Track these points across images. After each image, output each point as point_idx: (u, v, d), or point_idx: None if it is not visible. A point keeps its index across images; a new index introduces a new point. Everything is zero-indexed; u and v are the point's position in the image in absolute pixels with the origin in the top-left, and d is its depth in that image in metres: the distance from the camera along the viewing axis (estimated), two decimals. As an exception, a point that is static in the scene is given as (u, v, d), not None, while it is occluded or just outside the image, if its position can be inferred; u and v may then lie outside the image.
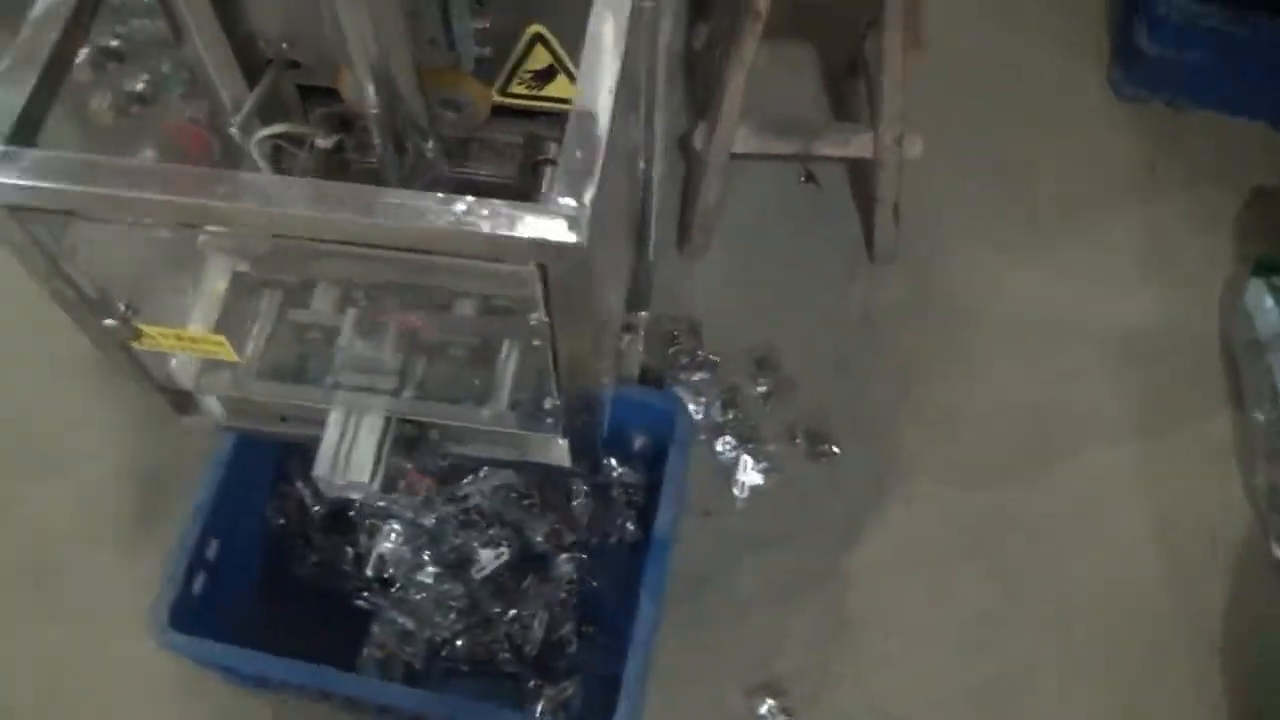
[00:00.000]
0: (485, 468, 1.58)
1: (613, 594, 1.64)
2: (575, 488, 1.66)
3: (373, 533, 1.64)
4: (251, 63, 1.14)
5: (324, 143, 1.23)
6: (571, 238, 0.81)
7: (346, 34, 0.97)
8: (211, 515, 1.51)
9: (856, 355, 1.92)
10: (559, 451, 1.17)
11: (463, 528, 1.64)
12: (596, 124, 0.85)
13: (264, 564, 1.68)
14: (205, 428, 1.25)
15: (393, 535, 1.63)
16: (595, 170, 0.83)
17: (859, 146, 1.92)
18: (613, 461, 1.68)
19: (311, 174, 1.21)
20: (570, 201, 0.82)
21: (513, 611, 1.62)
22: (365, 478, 1.11)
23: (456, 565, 1.63)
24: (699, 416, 1.84)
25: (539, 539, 1.65)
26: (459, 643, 1.61)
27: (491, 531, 1.64)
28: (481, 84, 1.19)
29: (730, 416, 1.86)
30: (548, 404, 1.06)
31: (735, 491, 1.80)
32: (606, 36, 0.90)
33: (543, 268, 0.85)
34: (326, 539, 1.66)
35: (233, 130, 1.18)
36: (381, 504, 1.58)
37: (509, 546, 1.63)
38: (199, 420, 1.24)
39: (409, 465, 1.24)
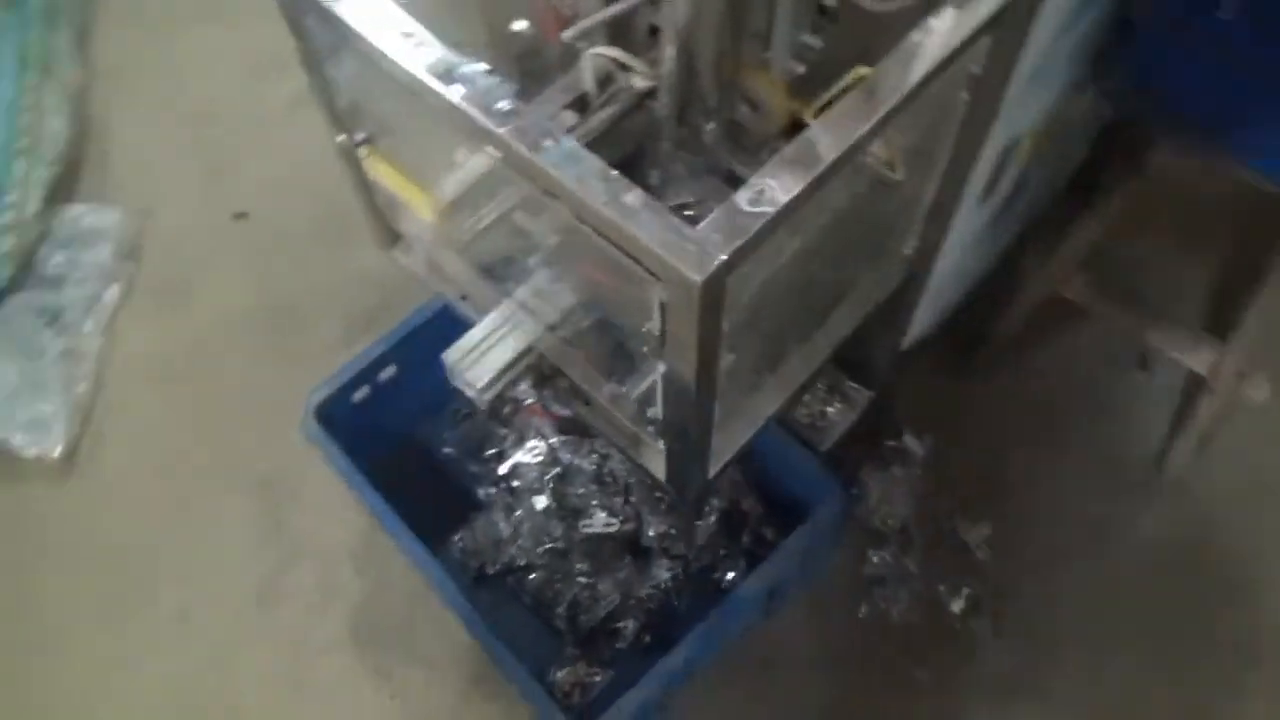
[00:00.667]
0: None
1: (685, 622, 1.60)
2: (710, 506, 1.63)
3: (520, 440, 1.71)
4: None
5: (641, 82, 1.25)
6: (694, 276, 0.78)
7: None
8: (397, 348, 1.63)
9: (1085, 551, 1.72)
10: (657, 461, 1.16)
11: (594, 481, 1.66)
12: (798, 180, 0.81)
13: (418, 420, 1.79)
14: (406, 270, 1.35)
15: (534, 452, 1.69)
16: (753, 229, 0.80)
17: (1196, 359, 1.70)
18: (751, 503, 1.63)
19: (615, 108, 1.24)
20: (716, 238, 0.80)
21: (591, 580, 1.63)
22: (480, 384, 1.15)
23: (570, 510, 1.66)
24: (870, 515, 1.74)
25: (651, 533, 1.65)
26: (532, 576, 1.65)
27: (616, 500, 1.65)
28: (788, 96, 1.17)
29: (900, 541, 1.74)
30: (650, 411, 1.05)
31: (863, 609, 1.69)
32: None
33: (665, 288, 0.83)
34: (479, 425, 1.73)
35: (570, 33, 1.22)
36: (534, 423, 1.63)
37: (622, 523, 1.64)
38: (401, 258, 1.33)
39: (530, 400, 1.28)
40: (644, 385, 1.07)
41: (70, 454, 1.91)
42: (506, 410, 1.18)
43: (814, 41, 1.13)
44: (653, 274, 0.82)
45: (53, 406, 1.91)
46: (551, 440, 1.67)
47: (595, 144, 1.21)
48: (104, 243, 2.11)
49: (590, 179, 0.83)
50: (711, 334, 0.87)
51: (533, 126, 0.85)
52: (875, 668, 1.63)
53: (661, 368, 0.95)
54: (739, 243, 0.80)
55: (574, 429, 1.36)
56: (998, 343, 1.84)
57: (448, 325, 1.32)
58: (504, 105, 0.86)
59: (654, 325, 0.89)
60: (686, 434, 1.03)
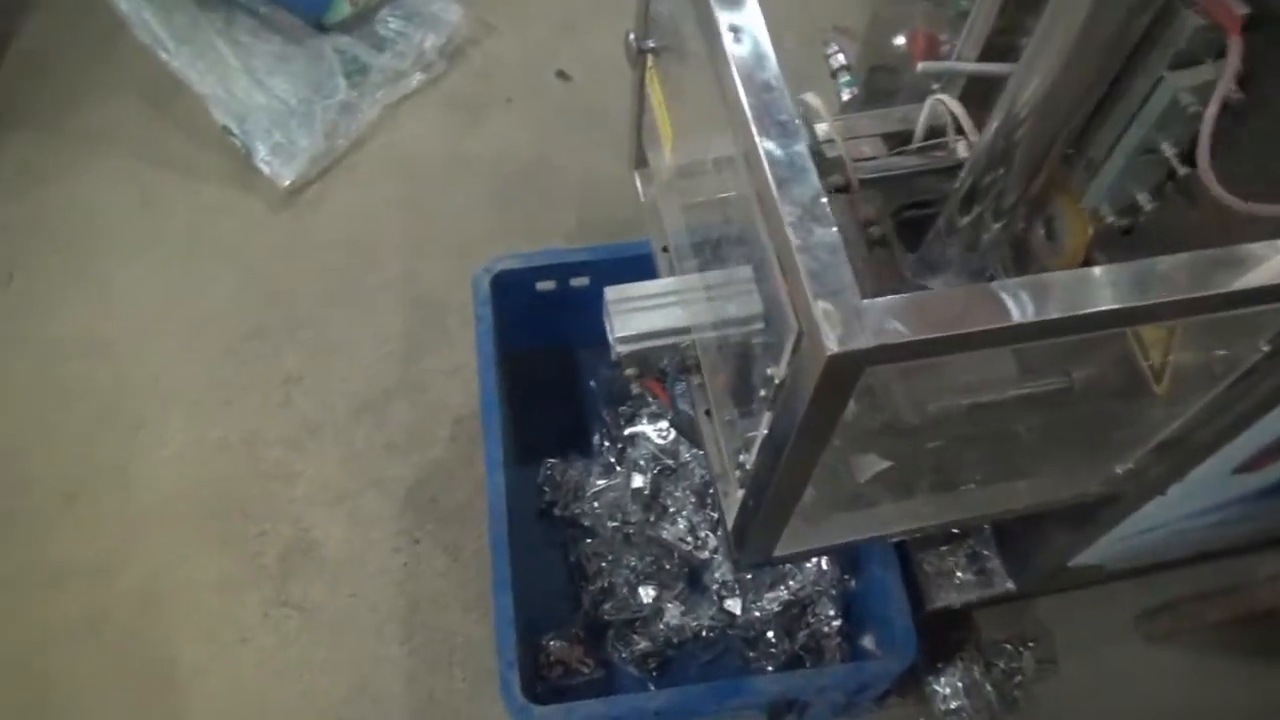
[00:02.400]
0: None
1: (695, 676, 1.55)
2: (784, 587, 1.54)
3: (657, 416, 1.67)
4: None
5: (964, 152, 1.16)
6: (828, 344, 0.70)
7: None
8: (600, 264, 1.62)
9: None
10: (732, 508, 1.08)
11: (695, 493, 1.61)
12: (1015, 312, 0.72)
13: (584, 342, 1.77)
14: (641, 193, 1.32)
15: (660, 433, 1.65)
16: (928, 336, 0.71)
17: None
18: (825, 614, 1.53)
19: (923, 162, 1.16)
20: (881, 320, 0.71)
21: (637, 580, 1.58)
22: (622, 332, 1.12)
23: (658, 506, 1.62)
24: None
25: (716, 575, 1.58)
26: (589, 540, 1.63)
27: (703, 524, 1.59)
28: (1087, 239, 1.05)
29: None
30: (742, 457, 0.98)
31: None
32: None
33: (799, 335, 0.75)
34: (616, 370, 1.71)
35: (926, 66, 1.16)
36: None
37: (694, 548, 1.58)
38: (639, 183, 1.31)
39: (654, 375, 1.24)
40: (756, 429, 1.00)
41: (296, 190, 2.03)
42: (632, 372, 1.14)
43: (1145, 202, 1.00)
44: (796, 316, 0.75)
45: (307, 142, 2.02)
46: (669, 427, 1.62)
47: (882, 182, 1.14)
48: (436, 32, 2.19)
49: (794, 185, 0.76)
50: (825, 414, 0.79)
51: (776, 106, 0.78)
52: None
53: (767, 418, 0.87)
54: (901, 339, 0.71)
55: (683, 429, 1.30)
56: (1179, 618, 1.62)
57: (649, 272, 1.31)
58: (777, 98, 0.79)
59: (778, 372, 0.82)
60: (763, 497, 0.95)
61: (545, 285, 1.65)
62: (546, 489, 1.67)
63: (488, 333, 1.55)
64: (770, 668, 1.53)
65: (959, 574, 1.53)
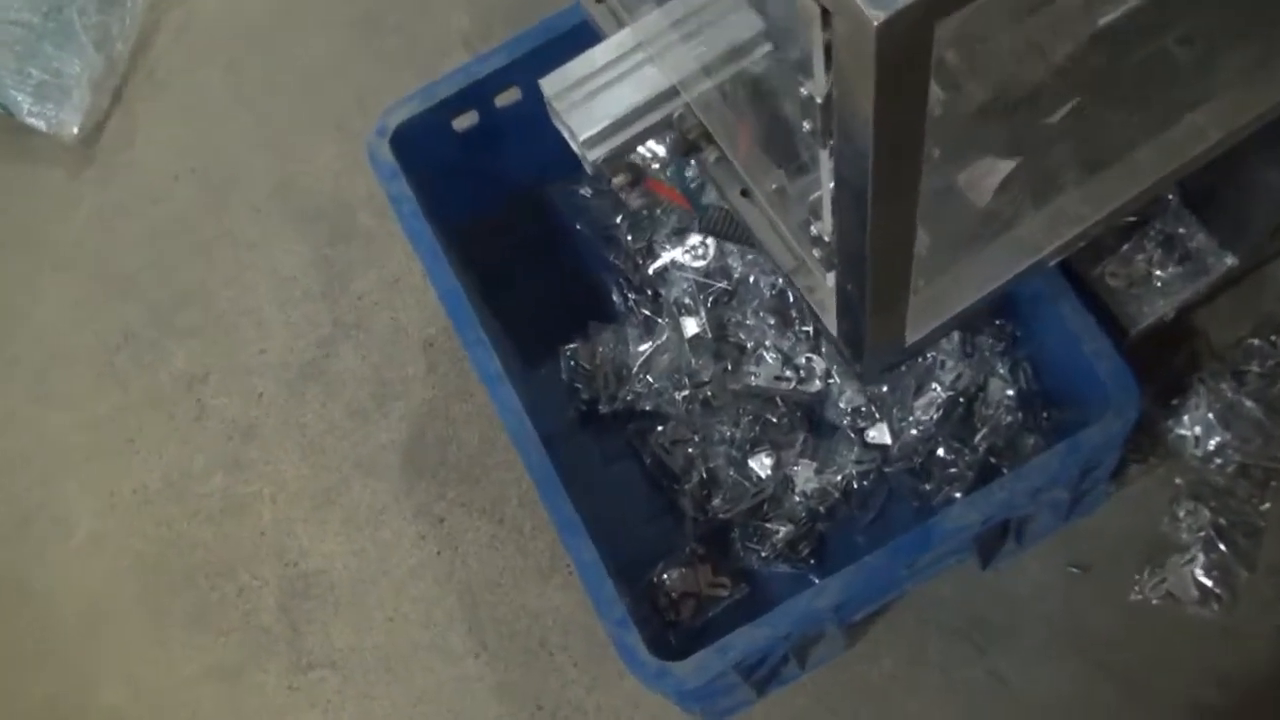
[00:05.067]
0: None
1: (865, 544, 1.54)
2: (936, 382, 1.52)
3: (681, 231, 1.64)
4: None
5: None
6: (868, 10, 0.64)
7: None
8: (527, 61, 1.55)
9: None
10: (828, 304, 1.05)
11: (773, 312, 1.59)
12: None
13: (548, 173, 1.74)
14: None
15: (695, 253, 1.63)
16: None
17: None
18: (1001, 390, 1.52)
19: None
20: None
21: (744, 452, 1.57)
22: (585, 134, 1.09)
23: (732, 347, 1.60)
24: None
25: (842, 404, 1.57)
26: (660, 429, 1.62)
27: (800, 346, 1.58)
28: None
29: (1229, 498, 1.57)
30: (814, 226, 0.94)
31: (1139, 586, 1.54)
32: None
33: (826, 15, 0.69)
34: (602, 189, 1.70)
35: None
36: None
37: (801, 381, 1.56)
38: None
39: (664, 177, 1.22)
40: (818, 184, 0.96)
41: (91, 136, 1.99)
42: (621, 180, 1.09)
43: None
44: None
45: (78, 66, 1.96)
46: (721, 241, 1.57)
47: None
48: None
49: None
50: (902, 116, 0.73)
51: None
52: (1139, 675, 1.51)
53: (827, 161, 0.83)
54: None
55: (720, 230, 1.25)
56: None
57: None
58: None
59: (815, 87, 0.76)
60: (863, 271, 0.91)
61: (464, 121, 1.62)
62: (579, 384, 1.66)
63: (415, 213, 1.52)
64: (958, 494, 1.52)
65: (1158, 272, 1.50)
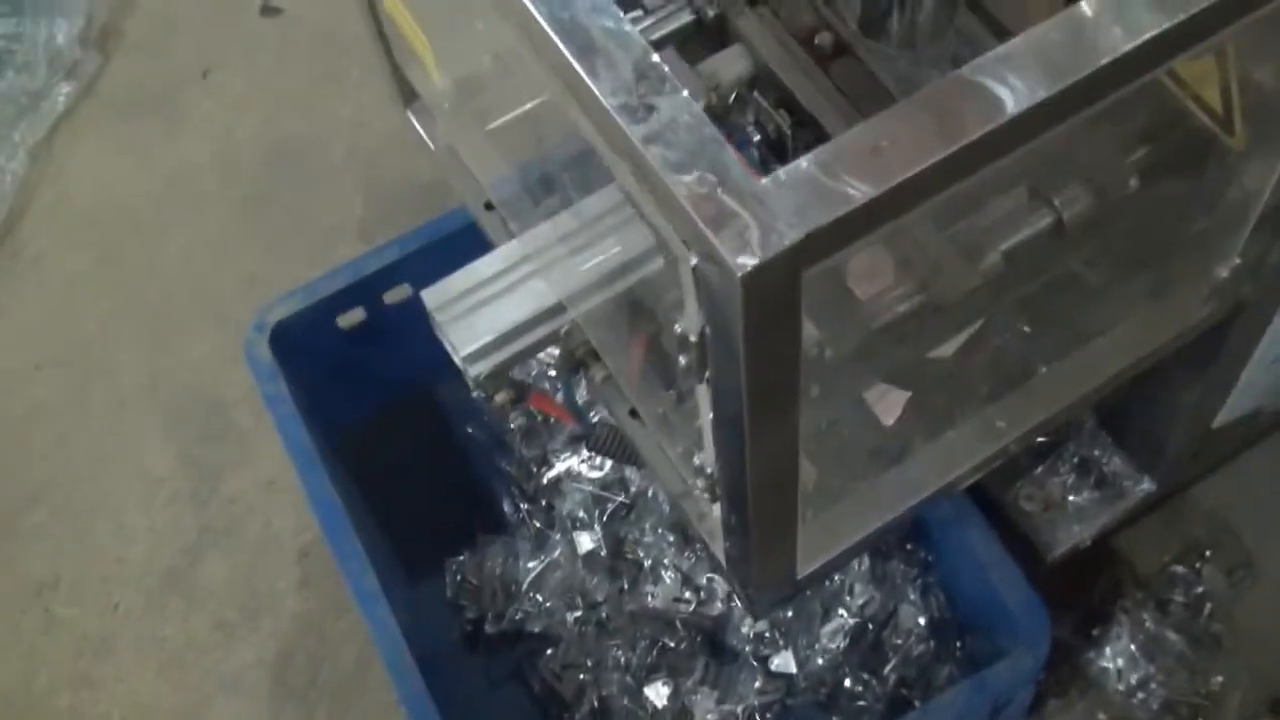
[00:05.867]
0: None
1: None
2: (843, 607, 1.55)
3: (579, 438, 1.67)
4: None
5: None
6: (737, 259, 0.70)
7: None
8: (417, 258, 1.62)
9: None
10: (712, 530, 1.08)
11: (671, 529, 1.62)
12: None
13: (438, 375, 1.72)
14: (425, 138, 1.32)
15: (592, 462, 1.66)
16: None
17: None
18: (913, 617, 1.55)
19: None
20: (791, 200, 0.71)
21: (640, 680, 1.57)
22: (466, 350, 1.11)
23: (628, 565, 1.62)
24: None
25: (744, 630, 1.59)
26: (550, 651, 1.62)
27: (699, 566, 1.60)
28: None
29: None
30: (697, 457, 0.98)
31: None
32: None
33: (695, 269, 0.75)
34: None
35: None
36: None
37: (700, 603, 1.58)
38: (417, 123, 1.32)
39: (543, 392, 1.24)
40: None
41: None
42: (504, 397, 1.13)
43: None
44: (679, 239, 0.74)
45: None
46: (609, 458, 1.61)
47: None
48: (67, 16, 2.16)
49: (611, 47, 0.75)
50: (775, 358, 0.78)
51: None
52: None
53: (705, 394, 0.87)
54: (841, 209, 0.70)
55: (608, 448, 1.29)
56: None
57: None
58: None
59: (689, 324, 0.81)
60: (743, 504, 0.95)
61: (350, 318, 1.65)
62: (464, 601, 1.67)
63: (291, 416, 1.54)
64: (867, 723, 1.54)
65: (1073, 497, 1.55)
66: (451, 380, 1.73)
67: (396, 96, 1.33)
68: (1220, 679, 1.62)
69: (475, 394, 1.15)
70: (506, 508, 1.72)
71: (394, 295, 1.65)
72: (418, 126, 1.34)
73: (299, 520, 1.81)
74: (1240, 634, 1.64)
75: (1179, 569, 1.67)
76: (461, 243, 1.59)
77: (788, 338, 0.78)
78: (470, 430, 1.78)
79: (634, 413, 1.15)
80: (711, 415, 0.89)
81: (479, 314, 1.12)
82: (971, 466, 1.17)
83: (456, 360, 1.13)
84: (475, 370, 1.12)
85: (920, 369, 1.09)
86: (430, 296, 1.14)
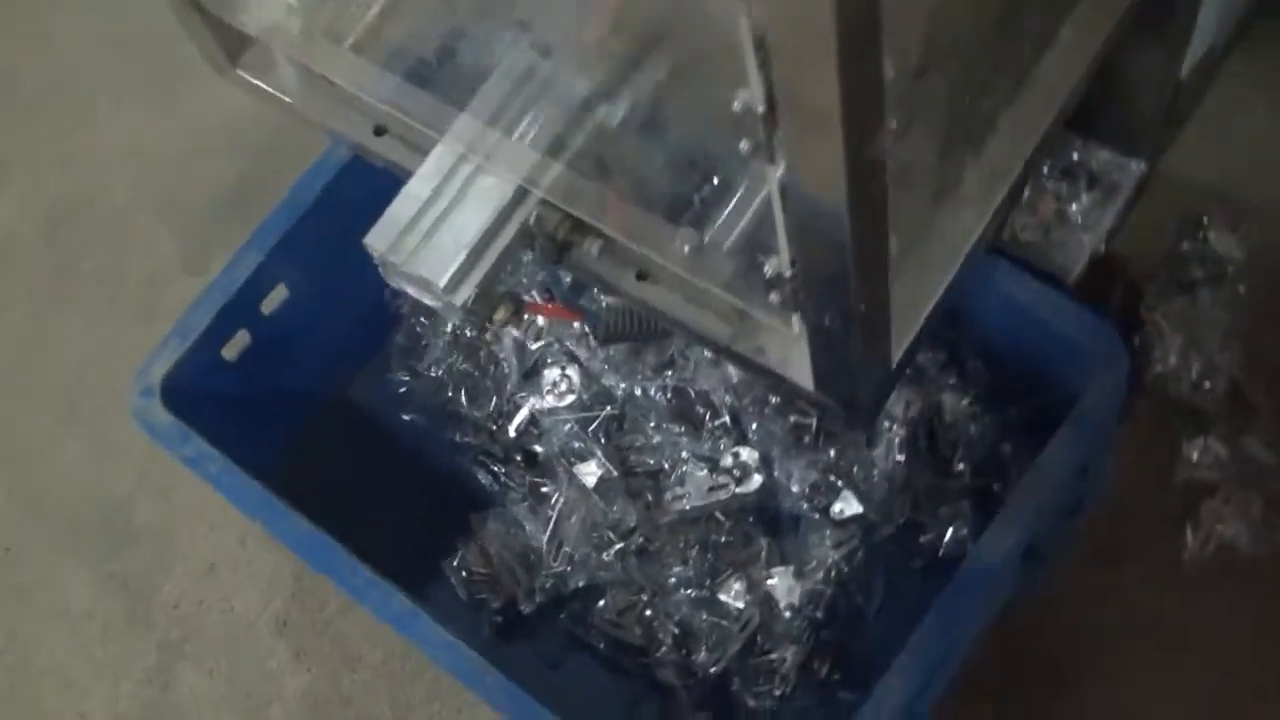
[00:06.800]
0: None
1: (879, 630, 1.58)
2: (885, 426, 1.57)
3: (533, 373, 1.66)
4: None
5: None
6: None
7: None
8: (282, 253, 1.59)
9: None
10: (794, 355, 1.07)
11: (675, 419, 1.62)
12: None
13: (348, 369, 1.78)
14: (268, 99, 1.28)
15: (558, 391, 1.65)
16: None
17: None
18: (958, 402, 1.59)
19: None
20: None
21: (707, 590, 1.58)
22: (443, 280, 1.08)
23: (645, 477, 1.62)
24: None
25: (795, 488, 1.60)
26: (601, 603, 1.62)
27: (721, 444, 1.60)
28: None
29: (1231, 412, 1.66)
30: (768, 264, 0.96)
31: (1190, 542, 1.63)
32: None
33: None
34: (456, 358, 1.71)
35: None
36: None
37: (737, 482, 1.59)
38: (253, 79, 1.28)
39: (538, 298, 1.23)
40: (744, 218, 0.99)
41: None
42: (502, 315, 1.10)
43: None
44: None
45: None
46: (586, 362, 1.61)
47: None
48: None
49: None
50: (866, 77, 0.76)
51: None
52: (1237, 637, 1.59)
53: (778, 171, 0.85)
54: None
55: (630, 331, 1.28)
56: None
57: (364, 194, 1.28)
58: None
59: (752, 93, 0.79)
60: (844, 290, 0.93)
61: (235, 345, 1.63)
62: (482, 595, 1.66)
63: (226, 471, 1.52)
64: (964, 530, 1.57)
65: (1071, 208, 1.57)
66: (367, 373, 1.78)
67: (218, 56, 1.28)
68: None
69: (468, 323, 1.12)
70: (483, 480, 1.71)
71: (272, 301, 1.63)
72: (257, 81, 1.28)
73: (260, 592, 1.79)
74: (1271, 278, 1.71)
75: (1185, 245, 1.71)
76: (327, 211, 1.59)
77: (874, 51, 0.76)
78: (407, 417, 1.78)
79: (642, 275, 1.13)
80: (788, 197, 0.88)
81: (437, 237, 1.09)
82: (999, 203, 1.18)
83: (432, 300, 1.10)
84: (460, 297, 1.09)
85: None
86: (376, 239, 1.10)
